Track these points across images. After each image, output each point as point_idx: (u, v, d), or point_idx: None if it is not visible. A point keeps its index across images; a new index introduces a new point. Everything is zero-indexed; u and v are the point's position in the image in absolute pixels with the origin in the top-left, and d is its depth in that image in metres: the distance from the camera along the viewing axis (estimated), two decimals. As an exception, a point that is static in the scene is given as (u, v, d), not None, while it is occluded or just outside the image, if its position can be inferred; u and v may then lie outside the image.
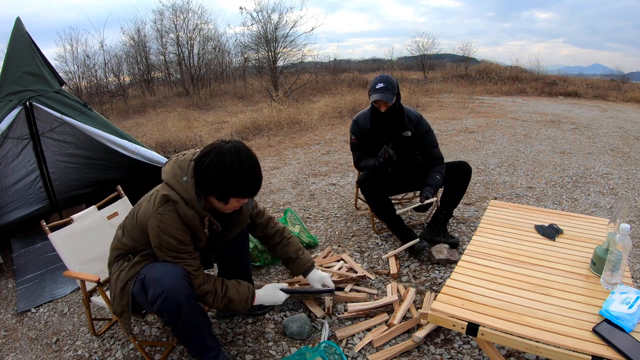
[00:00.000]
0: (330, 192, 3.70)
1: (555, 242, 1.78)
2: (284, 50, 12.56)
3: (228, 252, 1.79)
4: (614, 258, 1.37)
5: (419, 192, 2.86)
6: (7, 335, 2.03)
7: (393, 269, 2.27)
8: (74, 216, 1.89)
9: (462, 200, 2.77)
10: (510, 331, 1.24)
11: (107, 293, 1.70)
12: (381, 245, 2.63)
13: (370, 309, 1.93)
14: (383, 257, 2.42)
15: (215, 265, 1.94)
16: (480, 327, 1.27)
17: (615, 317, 1.23)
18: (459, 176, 2.49)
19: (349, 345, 1.75)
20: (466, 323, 1.29)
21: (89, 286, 1.78)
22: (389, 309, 1.96)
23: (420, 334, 1.70)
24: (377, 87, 2.35)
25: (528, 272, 1.55)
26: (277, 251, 1.92)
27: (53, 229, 1.77)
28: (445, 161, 2.55)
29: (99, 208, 2.00)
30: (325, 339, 1.75)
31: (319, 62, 14.74)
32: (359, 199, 3.18)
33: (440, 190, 2.64)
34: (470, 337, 1.67)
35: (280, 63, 12.66)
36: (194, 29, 13.64)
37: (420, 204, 2.39)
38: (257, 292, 1.68)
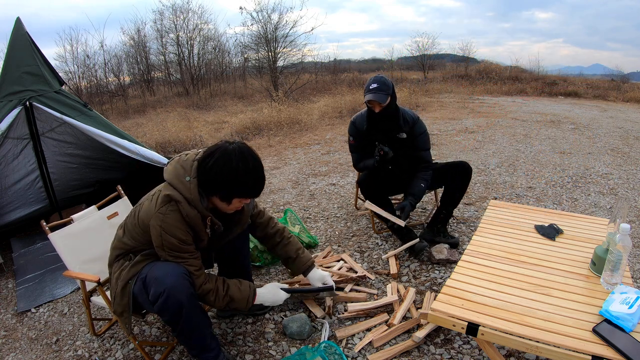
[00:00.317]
0: (330, 192, 3.70)
1: (555, 242, 1.78)
2: (284, 50, 12.60)
3: (228, 252, 1.80)
4: (614, 258, 1.37)
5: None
6: (7, 335, 2.03)
7: (393, 269, 2.27)
8: (74, 216, 1.89)
9: (462, 200, 2.77)
10: (510, 331, 1.24)
11: (107, 293, 1.70)
12: (381, 245, 2.63)
13: (370, 309, 1.93)
14: (383, 257, 2.42)
15: (215, 265, 1.94)
16: (480, 327, 1.28)
17: (615, 317, 1.23)
18: (459, 176, 2.48)
19: (349, 345, 1.75)
20: (466, 323, 1.29)
21: (89, 286, 1.78)
22: (389, 309, 1.96)
23: (420, 334, 1.71)
24: (370, 87, 2.35)
25: (528, 272, 1.55)
26: (277, 251, 1.93)
27: (53, 229, 1.78)
28: (445, 161, 2.55)
29: (99, 208, 2.00)
30: (325, 339, 1.75)
31: (319, 62, 14.80)
32: (359, 199, 3.18)
33: (440, 190, 2.63)
34: (470, 337, 1.67)
35: (280, 63, 12.69)
36: (194, 29, 13.68)
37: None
38: (258, 290, 1.69)
